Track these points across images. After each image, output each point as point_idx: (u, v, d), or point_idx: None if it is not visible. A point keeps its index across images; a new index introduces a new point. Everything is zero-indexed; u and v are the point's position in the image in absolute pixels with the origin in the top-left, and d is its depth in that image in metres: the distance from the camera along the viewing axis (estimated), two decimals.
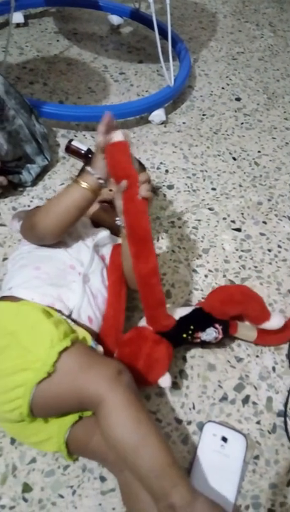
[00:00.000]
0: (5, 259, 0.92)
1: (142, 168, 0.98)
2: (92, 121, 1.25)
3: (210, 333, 0.76)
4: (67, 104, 1.32)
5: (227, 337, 0.81)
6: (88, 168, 0.70)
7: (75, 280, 0.71)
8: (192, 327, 0.75)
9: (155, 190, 1.08)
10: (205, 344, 0.79)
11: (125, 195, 0.67)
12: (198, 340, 0.77)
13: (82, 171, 0.94)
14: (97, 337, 0.71)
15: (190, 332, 0.75)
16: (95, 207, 0.82)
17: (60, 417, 0.63)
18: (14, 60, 1.45)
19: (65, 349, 0.59)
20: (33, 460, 0.67)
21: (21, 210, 0.81)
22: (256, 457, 0.71)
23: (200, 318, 0.76)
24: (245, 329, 0.81)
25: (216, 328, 0.76)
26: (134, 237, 0.68)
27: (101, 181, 0.69)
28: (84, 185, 0.69)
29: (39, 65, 1.45)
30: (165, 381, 0.71)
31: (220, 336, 0.77)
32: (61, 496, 0.65)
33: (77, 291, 0.70)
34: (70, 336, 0.61)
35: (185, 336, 0.75)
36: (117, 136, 0.67)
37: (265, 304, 0.81)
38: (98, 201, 0.78)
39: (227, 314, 0.78)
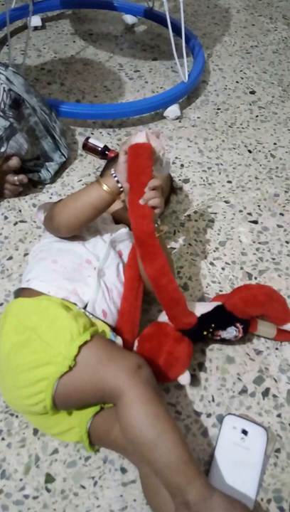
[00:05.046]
0: (26, 254, 0.94)
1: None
2: (108, 118, 1.27)
3: (231, 332, 0.76)
4: (84, 103, 1.33)
5: (248, 335, 0.81)
6: (112, 171, 0.70)
7: (91, 275, 0.72)
8: (213, 325, 0.75)
9: (175, 189, 1.08)
10: (224, 341, 0.79)
11: (129, 199, 0.68)
12: (218, 338, 0.77)
13: (105, 169, 0.96)
14: (114, 331, 0.72)
15: (211, 330, 0.75)
16: (118, 205, 0.83)
17: (82, 409, 0.64)
18: (32, 62, 1.48)
19: (85, 343, 0.60)
20: (55, 451, 0.68)
21: (46, 202, 0.83)
22: (278, 450, 0.71)
23: (222, 316, 0.76)
24: (265, 327, 0.80)
25: (237, 327, 0.76)
26: (137, 241, 0.68)
27: (120, 186, 0.70)
28: (104, 187, 0.70)
29: (56, 65, 1.47)
30: (184, 379, 0.71)
31: (240, 335, 0.77)
32: (83, 487, 0.65)
33: (92, 285, 0.71)
34: (89, 329, 0.62)
35: (205, 333, 0.75)
36: (138, 137, 0.67)
37: (287, 305, 0.80)
38: (121, 200, 0.80)
39: (249, 315, 0.77)
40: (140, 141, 0.67)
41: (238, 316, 0.76)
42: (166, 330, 0.73)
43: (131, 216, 0.68)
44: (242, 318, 0.76)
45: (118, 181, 0.70)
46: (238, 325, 0.76)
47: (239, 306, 0.76)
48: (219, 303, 0.77)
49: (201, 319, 0.74)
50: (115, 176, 0.70)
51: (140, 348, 0.72)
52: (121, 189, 0.70)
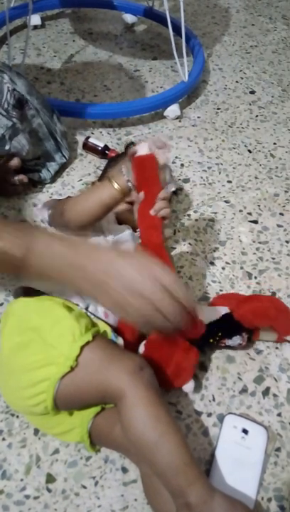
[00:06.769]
0: None
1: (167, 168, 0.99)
2: (108, 118, 1.27)
3: (236, 340, 0.77)
4: (84, 102, 1.33)
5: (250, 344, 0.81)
6: (123, 170, 0.70)
7: None
8: (220, 333, 0.76)
9: (176, 191, 1.08)
10: (228, 348, 0.80)
11: (139, 209, 0.68)
12: (223, 345, 0.77)
13: (106, 169, 0.96)
14: (115, 331, 0.72)
15: (217, 338, 0.76)
16: (122, 205, 0.83)
17: (83, 409, 0.64)
18: (32, 61, 1.47)
19: (87, 343, 0.60)
20: (56, 451, 0.68)
21: (51, 199, 0.82)
22: (278, 449, 0.71)
23: (229, 325, 0.76)
24: (266, 333, 0.80)
25: (243, 336, 0.77)
26: (145, 251, 0.68)
27: (130, 184, 0.70)
28: (115, 185, 0.70)
29: (56, 65, 1.47)
30: (189, 387, 0.71)
31: (244, 343, 0.77)
32: (84, 487, 0.65)
33: None
34: (91, 329, 0.62)
35: (211, 340, 0.76)
36: (142, 149, 0.67)
37: None
38: (126, 202, 0.80)
39: (256, 326, 0.78)
40: (143, 152, 0.67)
41: (245, 325, 0.76)
42: (175, 339, 0.72)
43: (140, 226, 0.69)
44: (248, 328, 0.77)
45: (128, 180, 0.70)
46: (244, 334, 0.77)
47: (247, 317, 0.76)
48: (226, 309, 0.77)
49: (209, 327, 0.74)
50: (126, 176, 0.70)
51: (149, 355, 0.70)
52: (131, 187, 0.70)
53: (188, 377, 0.71)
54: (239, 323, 0.76)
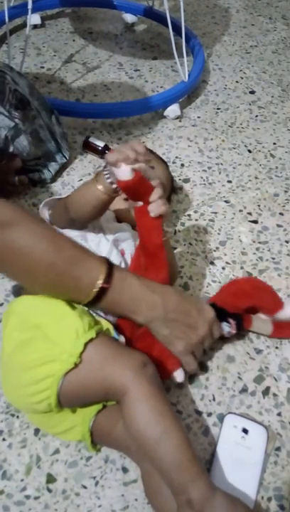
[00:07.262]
0: None
1: (164, 164, 0.99)
2: (108, 118, 1.27)
3: (224, 328, 0.76)
4: (84, 102, 1.33)
5: (243, 332, 0.81)
6: (104, 173, 0.69)
7: None
8: None
9: (175, 189, 1.08)
10: (222, 339, 0.79)
11: (137, 210, 0.68)
12: None
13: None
14: (116, 329, 0.72)
15: None
16: (121, 204, 0.82)
17: (85, 407, 0.64)
18: (32, 60, 1.47)
19: (91, 340, 0.60)
20: (57, 451, 0.68)
21: (51, 199, 0.82)
22: (278, 449, 0.71)
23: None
24: (260, 323, 0.80)
25: (229, 322, 0.76)
26: (145, 251, 0.69)
27: (115, 186, 0.69)
28: (99, 187, 0.69)
29: (56, 64, 1.47)
30: (179, 375, 0.71)
31: (233, 331, 0.77)
32: (84, 487, 0.65)
33: None
34: (94, 327, 0.62)
35: None
36: (124, 174, 0.64)
37: (277, 294, 0.81)
38: (123, 199, 0.79)
39: (239, 308, 0.78)
40: (125, 178, 0.65)
41: (229, 310, 0.76)
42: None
43: (140, 227, 0.69)
44: (234, 313, 0.76)
45: (112, 182, 0.68)
46: (230, 320, 0.76)
47: (228, 301, 0.76)
48: (211, 302, 0.77)
49: None
50: (108, 178, 0.68)
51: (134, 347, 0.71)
52: (117, 189, 0.69)
53: (174, 365, 0.70)
54: (223, 310, 0.75)
